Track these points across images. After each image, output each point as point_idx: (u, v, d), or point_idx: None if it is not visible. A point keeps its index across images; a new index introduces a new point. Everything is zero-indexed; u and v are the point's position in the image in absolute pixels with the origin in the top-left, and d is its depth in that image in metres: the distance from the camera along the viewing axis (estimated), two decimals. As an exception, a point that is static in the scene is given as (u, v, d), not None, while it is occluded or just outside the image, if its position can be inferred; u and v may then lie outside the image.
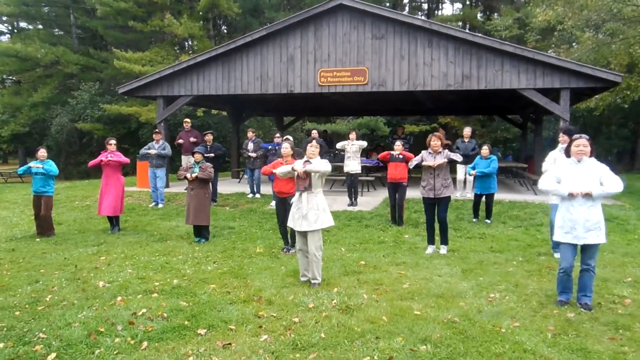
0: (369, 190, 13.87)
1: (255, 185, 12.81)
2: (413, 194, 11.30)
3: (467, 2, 35.26)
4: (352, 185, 11.45)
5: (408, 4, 38.05)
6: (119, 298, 5.36)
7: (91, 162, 9.51)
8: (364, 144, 11.25)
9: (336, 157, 12.10)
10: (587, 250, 4.96)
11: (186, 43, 30.43)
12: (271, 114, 22.73)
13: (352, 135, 11.13)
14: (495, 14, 33.73)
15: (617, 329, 4.45)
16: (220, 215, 10.57)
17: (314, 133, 12.55)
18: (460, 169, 12.15)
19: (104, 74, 28.94)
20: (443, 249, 7.54)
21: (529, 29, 26.48)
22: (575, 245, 4.99)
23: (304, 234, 5.89)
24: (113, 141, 9.51)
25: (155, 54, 25.81)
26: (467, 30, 15.21)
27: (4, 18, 33.73)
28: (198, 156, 8.36)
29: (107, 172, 9.29)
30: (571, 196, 4.87)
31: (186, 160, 12.71)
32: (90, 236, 8.95)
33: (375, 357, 3.93)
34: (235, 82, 13.82)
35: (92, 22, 29.67)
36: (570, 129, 6.88)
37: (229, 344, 4.20)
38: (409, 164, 8.25)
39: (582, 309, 4.94)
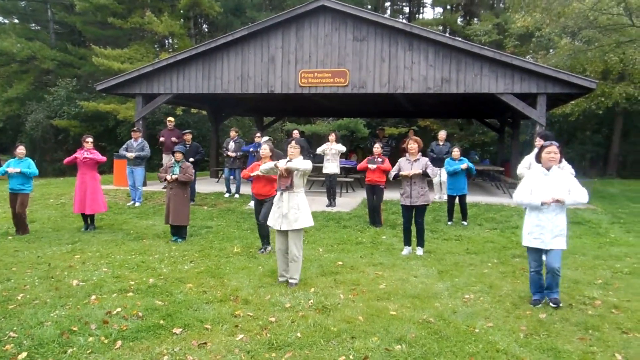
0: (347, 192, 13.92)
1: (235, 186, 12.76)
2: (391, 195, 11.38)
3: (448, 7, 35.58)
4: (331, 186, 11.47)
5: (389, 7, 38.29)
6: (93, 297, 5.29)
7: (66, 160, 9.34)
8: (343, 149, 11.22)
9: (316, 158, 12.11)
10: (551, 255, 5.12)
11: (166, 41, 30.16)
12: (251, 114, 22.66)
13: (332, 137, 11.15)
14: (475, 19, 34.15)
15: (587, 330, 4.55)
16: (198, 215, 10.50)
17: (295, 133, 12.55)
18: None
19: (82, 70, 28.48)
20: (419, 251, 7.60)
21: (507, 34, 26.90)
22: (542, 249, 5.17)
23: (284, 234, 5.90)
24: (90, 139, 9.33)
25: (135, 51, 25.52)
26: (447, 35, 15.35)
27: (-21, 12, 33.04)
28: (178, 155, 8.28)
29: (83, 170, 9.14)
30: (544, 204, 5.02)
31: (167, 159, 12.60)
32: (64, 234, 8.80)
33: (351, 357, 3.95)
34: (215, 81, 13.75)
35: (70, 18, 29.21)
36: (547, 134, 7.00)
37: (205, 343, 4.18)
38: (388, 175, 8.32)
39: (551, 304, 5.09)
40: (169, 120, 13.65)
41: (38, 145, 26.96)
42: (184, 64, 13.90)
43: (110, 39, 27.65)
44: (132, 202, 11.77)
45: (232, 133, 12.91)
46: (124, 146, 11.93)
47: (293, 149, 5.95)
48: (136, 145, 11.76)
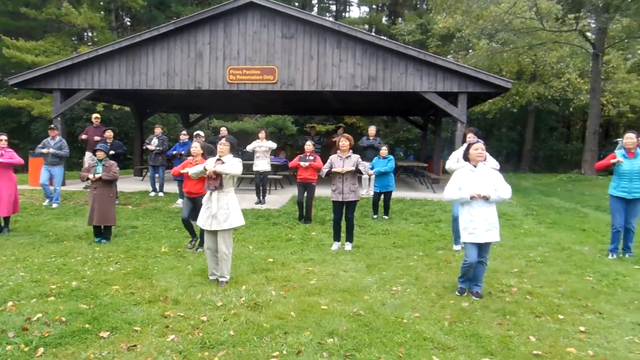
0: (276, 189, 13.94)
1: (158, 184, 12.43)
2: (320, 192, 11.51)
3: (374, 6, 36.35)
4: (261, 184, 11.45)
5: (317, 5, 38.58)
6: (10, 303, 4.99)
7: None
8: (274, 145, 11.25)
9: (245, 155, 12.03)
10: (484, 246, 5.43)
11: (85, 34, 28.75)
12: (177, 111, 22.14)
13: (262, 134, 11.13)
14: (400, 19, 35.09)
15: (505, 315, 4.86)
16: (122, 215, 10.14)
17: (223, 130, 12.39)
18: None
19: (-9, 62, 26.63)
20: (348, 246, 7.76)
21: (430, 34, 27.92)
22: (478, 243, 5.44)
23: (213, 233, 5.84)
24: (4, 137, 8.52)
25: (51, 43, 24.19)
26: (373, 34, 15.70)
27: None
28: (100, 154, 7.93)
29: (-3, 169, 8.49)
30: (473, 198, 5.30)
31: (89, 157, 12.03)
32: (-25, 238, 8.23)
33: (284, 352, 4.00)
34: (140, 76, 13.33)
35: (-23, 7, 27.22)
36: (479, 132, 7.38)
37: (134, 345, 4.08)
38: (320, 172, 8.39)
39: (473, 297, 5.36)
40: (95, 117, 13.02)
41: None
42: (106, 58, 13.36)
43: (23, 30, 25.97)
44: (48, 200, 11.17)
45: (157, 130, 12.54)
46: (41, 144, 11.25)
47: (223, 146, 5.90)
48: (54, 143, 11.14)
